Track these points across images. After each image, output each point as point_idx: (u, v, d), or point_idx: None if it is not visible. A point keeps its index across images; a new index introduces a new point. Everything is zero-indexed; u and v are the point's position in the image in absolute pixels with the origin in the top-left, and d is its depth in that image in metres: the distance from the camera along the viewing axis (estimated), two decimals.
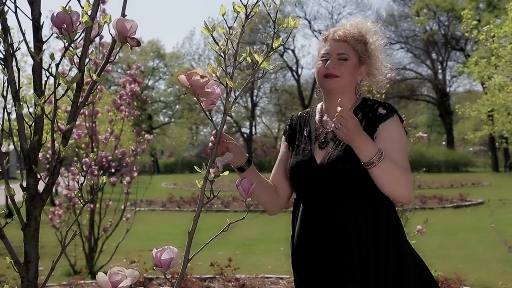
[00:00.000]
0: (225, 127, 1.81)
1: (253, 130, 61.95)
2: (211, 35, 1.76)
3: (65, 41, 1.65)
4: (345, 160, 2.41)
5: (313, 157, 2.51)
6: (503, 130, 21.52)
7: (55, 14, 1.64)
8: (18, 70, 1.71)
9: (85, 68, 1.73)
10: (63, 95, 1.74)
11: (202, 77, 1.68)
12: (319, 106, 2.71)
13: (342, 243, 2.39)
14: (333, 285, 2.39)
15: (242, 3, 1.75)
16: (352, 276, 2.36)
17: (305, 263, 2.49)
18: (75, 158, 8.11)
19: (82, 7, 1.66)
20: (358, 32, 2.54)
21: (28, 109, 1.74)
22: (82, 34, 1.70)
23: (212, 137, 2.24)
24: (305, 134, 2.64)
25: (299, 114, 2.78)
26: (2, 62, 1.71)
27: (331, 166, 2.42)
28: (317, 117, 2.66)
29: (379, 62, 2.59)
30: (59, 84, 1.67)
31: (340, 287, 2.37)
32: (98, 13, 1.71)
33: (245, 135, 60.38)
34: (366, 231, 2.39)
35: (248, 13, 1.76)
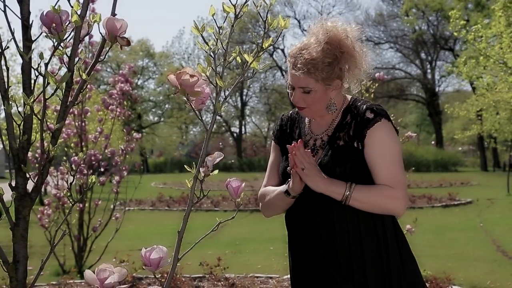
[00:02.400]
0: (214, 126, 1.81)
1: (243, 129, 61.98)
2: (201, 35, 1.76)
3: (54, 40, 1.65)
4: (337, 165, 2.38)
5: None
6: (491, 130, 21.67)
7: (44, 13, 1.64)
8: (7, 69, 1.71)
9: (75, 67, 1.73)
10: (53, 94, 1.74)
11: (191, 76, 1.68)
12: None
13: (337, 248, 2.37)
14: None
15: (231, 3, 1.76)
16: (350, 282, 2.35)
17: (304, 270, 2.46)
18: (65, 158, 8.09)
19: (72, 6, 1.65)
20: (324, 54, 2.34)
21: (17, 108, 1.73)
22: (72, 33, 1.70)
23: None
24: (295, 137, 2.57)
25: (289, 114, 2.68)
26: None
27: (329, 170, 2.38)
28: (306, 120, 2.60)
29: (360, 62, 2.44)
30: (48, 83, 1.67)
31: None
32: (88, 12, 1.71)
33: (235, 134, 60.39)
34: (359, 235, 2.37)
35: (237, 13, 1.76)
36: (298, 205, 2.45)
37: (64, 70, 1.72)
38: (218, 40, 1.75)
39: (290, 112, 2.71)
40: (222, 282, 6.58)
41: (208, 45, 1.75)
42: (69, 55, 1.71)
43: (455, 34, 12.15)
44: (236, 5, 1.76)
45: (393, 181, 2.36)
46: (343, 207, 2.36)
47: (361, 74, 2.48)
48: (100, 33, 1.66)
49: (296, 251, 2.50)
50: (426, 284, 5.48)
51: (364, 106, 2.45)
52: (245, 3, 1.76)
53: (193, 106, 1.75)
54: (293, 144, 2.30)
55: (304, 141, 2.51)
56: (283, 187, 2.45)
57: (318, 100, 2.40)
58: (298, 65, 2.35)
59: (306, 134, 2.56)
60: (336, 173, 2.37)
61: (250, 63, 1.77)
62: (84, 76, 1.70)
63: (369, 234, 2.38)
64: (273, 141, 2.69)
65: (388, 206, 2.37)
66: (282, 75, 56.31)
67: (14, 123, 1.72)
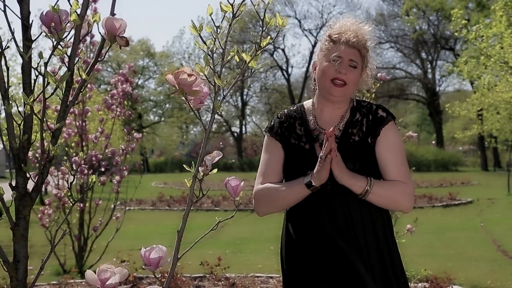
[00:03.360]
0: (215, 126, 1.81)
1: (243, 129, 61.93)
2: (199, 34, 1.76)
3: (54, 40, 1.65)
4: (355, 160, 2.43)
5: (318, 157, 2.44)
6: (492, 129, 21.67)
7: (44, 13, 1.64)
8: (7, 69, 1.71)
9: (75, 67, 1.72)
10: (52, 94, 1.74)
11: (189, 75, 1.68)
12: (308, 105, 2.65)
13: (353, 245, 2.40)
14: None
15: (229, 2, 1.76)
16: (373, 279, 2.38)
17: (309, 266, 2.46)
18: (65, 157, 8.09)
19: (71, 6, 1.65)
20: (364, 39, 2.50)
21: (17, 108, 1.73)
22: (72, 33, 1.70)
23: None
24: (300, 133, 2.57)
25: (286, 113, 2.66)
26: None
27: (349, 164, 2.40)
28: (311, 116, 2.60)
29: (372, 63, 2.57)
30: (48, 83, 1.67)
31: None
32: (88, 11, 1.71)
33: (235, 134, 60.35)
34: (374, 231, 2.43)
35: (235, 12, 1.76)
36: (310, 197, 2.44)
37: (64, 69, 1.72)
38: (216, 39, 1.75)
39: (286, 111, 2.70)
40: (222, 282, 6.58)
41: (206, 44, 1.75)
42: (69, 54, 1.71)
43: (456, 33, 12.16)
44: (233, 4, 1.76)
45: (405, 177, 2.46)
46: (357, 200, 2.41)
47: (370, 76, 2.59)
48: (100, 32, 1.66)
49: (304, 246, 2.48)
50: (427, 283, 5.53)
51: (374, 106, 2.55)
52: (242, 2, 1.76)
53: (191, 106, 1.75)
54: (330, 130, 2.30)
55: (315, 136, 2.54)
56: (301, 179, 2.43)
57: (357, 79, 2.50)
58: (354, 39, 2.46)
59: (314, 129, 2.57)
60: (356, 168, 2.42)
61: (248, 62, 1.78)
62: (84, 76, 1.70)
63: (378, 219, 2.46)
64: (271, 139, 2.63)
65: (401, 201, 2.46)
66: (283, 74, 56.31)
67: (14, 122, 1.72)
